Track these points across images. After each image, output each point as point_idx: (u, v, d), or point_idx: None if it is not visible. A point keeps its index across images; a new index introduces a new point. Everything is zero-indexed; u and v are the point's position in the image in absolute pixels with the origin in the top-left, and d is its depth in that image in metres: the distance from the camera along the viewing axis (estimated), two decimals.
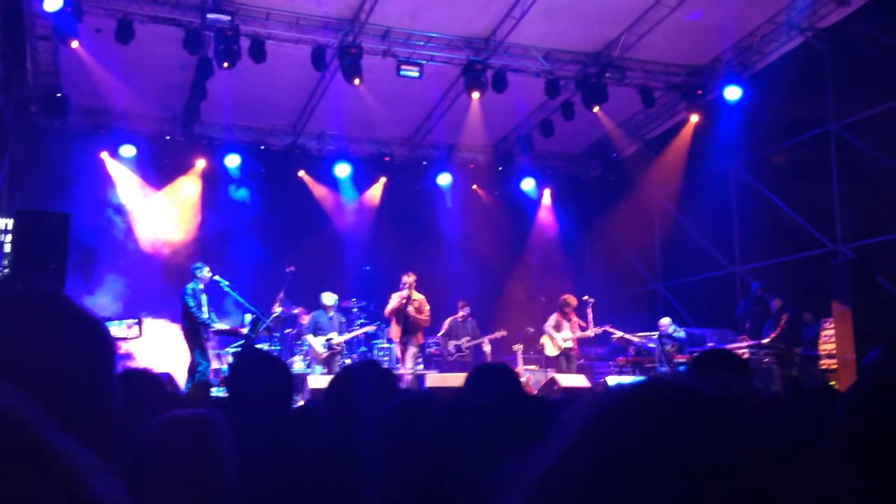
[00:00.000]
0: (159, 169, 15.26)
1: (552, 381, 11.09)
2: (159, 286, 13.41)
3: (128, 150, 14.84)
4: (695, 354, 11.57)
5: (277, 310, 12.20)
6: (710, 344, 12.87)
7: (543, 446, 0.67)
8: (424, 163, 17.22)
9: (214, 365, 11.61)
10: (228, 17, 11.78)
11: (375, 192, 17.09)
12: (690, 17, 12.46)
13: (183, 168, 15.56)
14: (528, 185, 17.58)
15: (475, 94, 13.36)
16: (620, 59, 13.65)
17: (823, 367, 11.86)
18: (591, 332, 12.96)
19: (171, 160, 15.36)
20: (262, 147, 16.04)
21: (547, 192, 17.95)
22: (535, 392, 10.62)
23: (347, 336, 12.37)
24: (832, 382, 10.78)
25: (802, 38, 12.77)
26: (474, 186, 17.73)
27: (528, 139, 16.08)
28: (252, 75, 12.73)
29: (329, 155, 16.44)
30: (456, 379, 10.56)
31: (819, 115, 12.82)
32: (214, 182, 15.67)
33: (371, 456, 2.97)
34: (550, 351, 12.91)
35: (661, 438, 0.62)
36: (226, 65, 11.96)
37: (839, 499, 0.61)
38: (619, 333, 13.58)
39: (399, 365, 11.86)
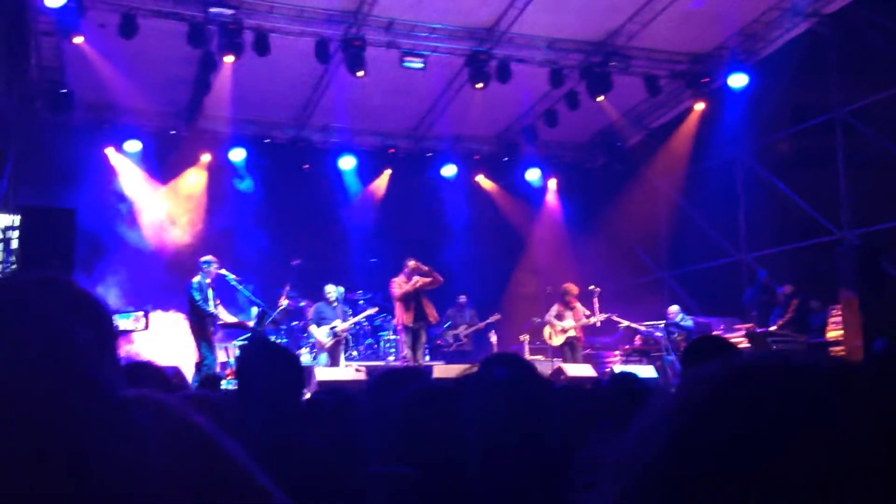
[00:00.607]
0: (164, 163, 15.28)
1: (559, 371, 11.11)
2: (165, 280, 13.44)
3: (132, 145, 14.86)
4: (687, 343, 11.58)
5: (284, 303, 12.23)
6: (716, 332, 12.87)
7: (638, 431, 0.67)
8: (429, 154, 17.21)
9: (221, 358, 11.65)
10: (232, 11, 11.78)
11: (380, 184, 17.09)
12: (695, 5, 12.41)
13: (188, 162, 15.57)
14: (533, 175, 17.56)
15: (479, 85, 13.35)
16: (625, 48, 13.60)
17: (831, 354, 11.85)
18: (594, 320, 12.96)
19: (175, 154, 15.37)
20: (267, 140, 16.04)
21: (552, 182, 17.93)
22: None
23: (351, 322, 12.31)
24: None
25: (807, 25, 12.71)
26: (479, 177, 17.72)
27: (533, 129, 16.06)
28: (256, 69, 12.73)
29: (334, 147, 16.44)
30: (462, 369, 10.57)
31: (824, 101, 12.78)
32: (219, 176, 15.68)
33: (381, 446, 2.98)
34: (554, 341, 12.92)
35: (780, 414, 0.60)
36: (229, 59, 11.97)
37: None
38: (624, 322, 13.59)
39: (408, 356, 11.84)
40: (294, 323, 13.09)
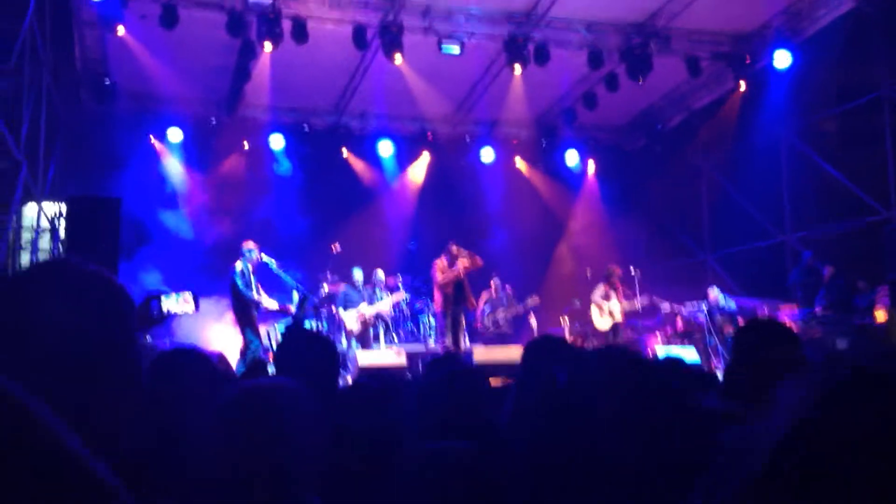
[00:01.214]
0: (205, 151, 15.48)
1: None
2: (207, 266, 13.63)
3: (174, 134, 15.08)
4: (740, 325, 11.45)
5: (325, 288, 12.31)
6: (760, 314, 12.70)
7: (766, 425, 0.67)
8: (467, 139, 17.18)
9: (265, 343, 11.78)
10: (270, 0, 11.84)
11: (419, 170, 17.12)
12: None
13: (228, 150, 15.76)
14: (571, 158, 17.45)
15: (517, 69, 13.27)
16: (665, 29, 13.41)
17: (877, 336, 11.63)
18: (637, 304, 12.88)
19: (216, 142, 15.56)
20: (306, 127, 16.14)
21: (591, 165, 17.81)
22: None
23: (378, 306, 12.24)
24: None
25: (853, 3, 12.41)
26: (517, 161, 17.66)
27: (572, 112, 15.94)
28: (294, 56, 12.79)
29: (372, 133, 16.50)
30: (502, 352, 10.60)
31: (871, 79, 12.50)
32: (259, 163, 15.85)
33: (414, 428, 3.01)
34: (600, 323, 12.84)
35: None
36: (268, 47, 12.05)
37: None
38: (666, 305, 13.48)
39: (447, 340, 11.85)
40: (334, 308, 13.18)
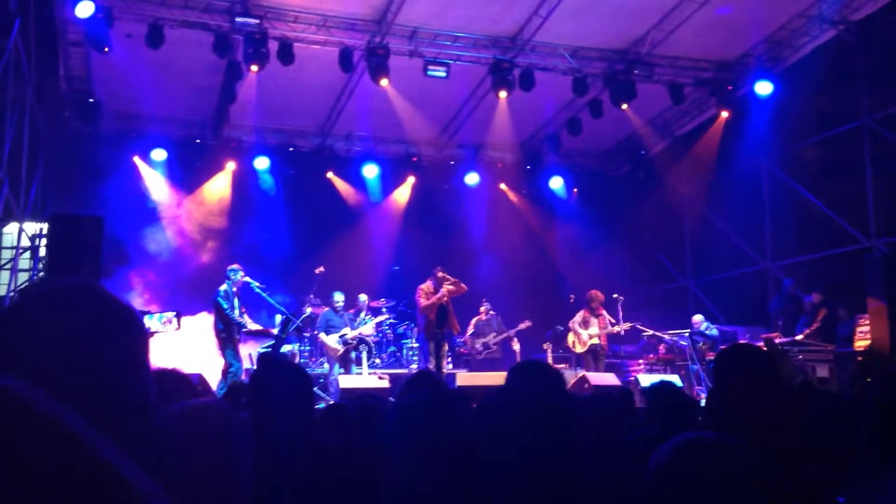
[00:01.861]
0: (190, 172, 15.42)
1: (583, 379, 11.05)
2: (190, 288, 13.55)
3: (159, 154, 15.01)
4: (720, 351, 11.48)
5: (308, 311, 12.25)
6: (741, 341, 12.74)
7: None
8: (452, 162, 17.23)
9: (246, 365, 11.69)
10: (257, 21, 11.87)
11: (403, 193, 17.13)
12: (720, 12, 12.35)
13: (213, 170, 15.70)
14: (556, 183, 17.54)
15: (502, 93, 13.35)
16: (649, 56, 13.56)
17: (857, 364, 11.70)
18: (619, 328, 12.88)
19: (201, 163, 15.51)
20: (291, 149, 16.14)
21: (575, 191, 17.89)
22: None
23: (360, 329, 12.20)
24: (867, 378, 10.63)
25: (834, 32, 12.61)
26: (502, 185, 17.72)
27: (556, 137, 16.04)
28: (280, 78, 12.83)
29: (357, 156, 16.51)
30: (486, 378, 10.56)
31: (852, 109, 12.66)
32: (244, 184, 15.80)
33: (394, 450, 2.98)
34: (577, 348, 12.85)
35: None
36: (254, 68, 12.06)
37: None
38: (649, 331, 13.50)
39: (431, 363, 11.81)
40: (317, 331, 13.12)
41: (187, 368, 6.11)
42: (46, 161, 12.98)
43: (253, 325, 11.02)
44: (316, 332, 12.32)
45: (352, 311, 12.42)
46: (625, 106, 13.87)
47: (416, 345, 13.35)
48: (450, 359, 13.19)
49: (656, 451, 1.73)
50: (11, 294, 10.61)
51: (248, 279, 10.99)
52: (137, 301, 13.06)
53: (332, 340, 11.90)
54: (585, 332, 12.70)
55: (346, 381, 10.69)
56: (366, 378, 11.34)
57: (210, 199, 15.60)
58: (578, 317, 12.91)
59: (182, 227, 15.01)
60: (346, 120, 15.54)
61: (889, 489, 1.84)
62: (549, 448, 2.06)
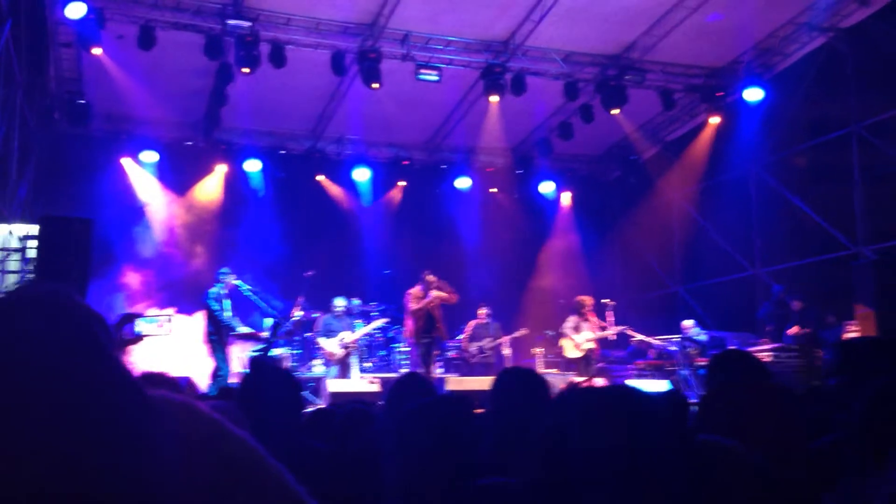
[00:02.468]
0: (180, 174, 15.37)
1: (572, 384, 11.05)
2: (180, 290, 13.51)
3: (149, 156, 14.95)
4: (712, 356, 11.52)
5: (298, 314, 12.23)
6: (731, 347, 12.78)
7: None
8: (443, 166, 17.25)
9: (235, 367, 11.66)
10: (249, 23, 11.86)
11: (394, 196, 17.13)
12: (711, 19, 12.42)
13: (203, 173, 15.67)
14: (547, 187, 17.57)
15: (494, 98, 13.38)
16: (640, 62, 13.62)
17: None
18: (611, 333, 12.90)
19: (191, 165, 15.47)
20: (282, 152, 16.12)
21: (566, 195, 17.93)
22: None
23: (361, 332, 12.23)
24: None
25: (824, 39, 12.68)
26: (493, 190, 17.74)
27: (547, 142, 16.08)
28: (272, 80, 12.81)
29: (348, 159, 16.50)
30: (476, 382, 10.55)
31: (841, 116, 12.72)
32: (235, 187, 15.77)
33: (392, 454, 2.98)
34: (571, 353, 12.85)
35: None
36: (246, 70, 12.04)
37: None
38: (638, 336, 13.53)
39: (420, 368, 11.81)
40: (308, 334, 13.09)
41: (175, 371, 6.10)
42: (36, 162, 12.92)
43: (243, 328, 10.99)
44: (313, 335, 12.36)
45: (349, 315, 12.42)
46: (616, 111, 13.92)
47: (406, 348, 13.35)
48: (441, 363, 13.19)
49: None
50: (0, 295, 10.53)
51: (238, 282, 10.97)
52: (127, 302, 13.01)
53: (330, 345, 11.90)
54: (580, 337, 12.71)
55: (336, 386, 10.67)
56: (356, 382, 11.33)
57: (200, 201, 15.56)
58: (570, 322, 12.92)
59: (172, 229, 14.96)
60: (337, 123, 15.54)
61: (874, 491, 1.86)
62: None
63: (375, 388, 10.62)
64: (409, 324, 11.95)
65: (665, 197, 16.79)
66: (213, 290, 10.79)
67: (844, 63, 12.51)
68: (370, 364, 13.18)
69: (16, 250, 11.44)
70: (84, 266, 9.73)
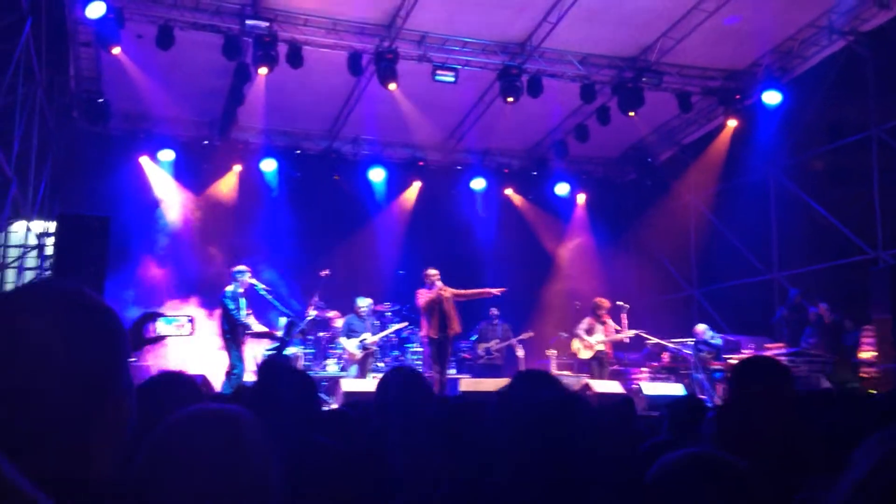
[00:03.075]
0: (197, 173, 15.45)
1: (586, 387, 11.03)
2: (196, 288, 13.58)
3: (166, 155, 15.04)
4: (732, 361, 11.47)
5: (312, 313, 12.27)
6: (745, 351, 12.70)
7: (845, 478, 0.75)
8: (459, 167, 17.24)
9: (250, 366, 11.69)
10: (267, 24, 11.90)
11: (410, 197, 17.14)
12: (729, 22, 12.35)
13: (220, 172, 15.74)
14: (562, 189, 17.53)
15: (510, 99, 13.35)
16: (657, 64, 13.56)
17: (863, 375, 11.66)
18: (624, 335, 12.86)
19: (208, 164, 15.55)
20: (298, 151, 16.16)
21: (581, 197, 17.88)
22: None
23: (381, 336, 12.34)
24: (871, 391, 10.60)
25: (844, 42, 12.59)
26: (508, 191, 17.72)
27: (563, 144, 16.04)
28: (289, 80, 12.84)
29: (364, 159, 16.53)
30: (489, 384, 10.55)
31: (860, 119, 12.63)
32: (251, 186, 15.82)
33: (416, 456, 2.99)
34: (582, 354, 12.82)
35: None
36: (263, 70, 12.09)
37: None
38: (653, 339, 13.48)
39: (433, 368, 11.78)
40: (321, 334, 13.13)
41: (190, 369, 6.13)
42: (54, 160, 13.03)
43: (258, 327, 11.03)
44: (333, 334, 12.43)
45: (372, 315, 12.49)
46: (632, 113, 13.87)
47: (419, 349, 13.35)
48: (453, 363, 13.17)
49: (660, 460, 1.73)
50: None
51: (253, 281, 11.01)
52: (143, 300, 13.08)
53: (351, 345, 11.95)
54: (590, 339, 12.68)
55: (349, 385, 10.69)
56: (369, 382, 11.34)
57: (217, 200, 15.63)
58: (584, 324, 12.88)
59: (188, 228, 15.03)
60: (353, 123, 15.56)
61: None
62: (551, 457, 2.06)
63: None
64: (423, 323, 11.94)
65: (681, 199, 16.71)
66: (229, 288, 10.85)
67: (864, 66, 12.41)
68: (383, 364, 13.18)
69: (33, 247, 11.54)
70: (100, 263, 9.81)
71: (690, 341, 13.19)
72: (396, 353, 13.90)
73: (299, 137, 16.13)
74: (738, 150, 14.76)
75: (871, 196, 12.51)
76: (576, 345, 12.90)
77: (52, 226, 10.73)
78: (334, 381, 11.73)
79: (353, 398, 9.54)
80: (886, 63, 12.06)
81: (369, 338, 12.01)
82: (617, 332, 12.80)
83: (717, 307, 15.64)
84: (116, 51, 11.72)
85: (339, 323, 12.64)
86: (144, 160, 15.01)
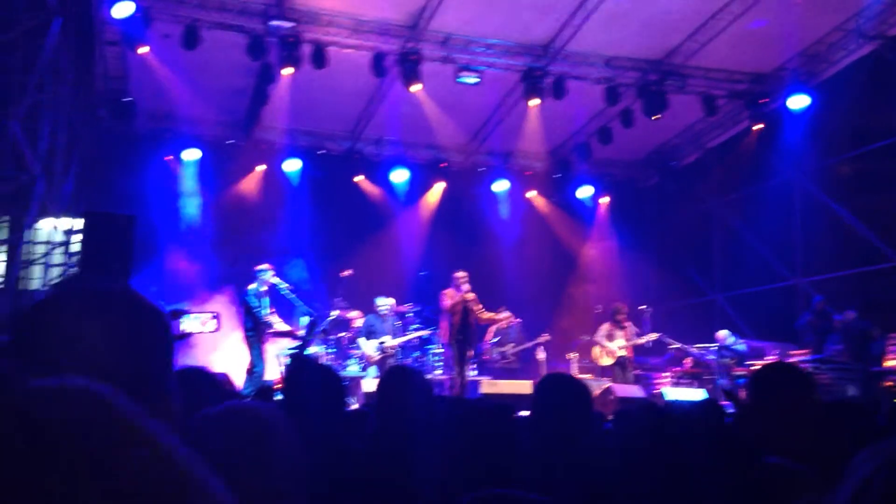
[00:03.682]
0: (221, 172, 15.54)
1: (607, 391, 10.98)
2: (219, 287, 13.66)
3: (191, 154, 15.15)
4: (754, 367, 11.38)
5: (334, 313, 12.31)
6: (769, 357, 12.59)
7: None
8: (481, 169, 17.23)
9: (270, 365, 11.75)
10: (291, 24, 11.96)
11: (432, 198, 17.14)
12: (755, 25, 12.25)
13: (244, 172, 15.83)
14: (585, 192, 17.47)
15: (533, 101, 13.33)
16: (682, 67, 13.48)
17: (888, 384, 11.52)
18: (644, 339, 12.79)
19: (232, 164, 15.63)
20: (321, 152, 16.22)
21: (604, 200, 17.81)
22: None
23: (401, 340, 12.37)
24: None
25: (872, 47, 12.45)
26: (531, 193, 17.68)
27: (586, 146, 15.97)
28: (313, 81, 12.89)
29: (386, 160, 16.55)
30: (509, 386, 10.54)
31: (888, 124, 12.49)
32: (274, 186, 15.90)
33: (430, 456, 2.99)
34: (604, 361, 12.78)
35: None
36: (288, 71, 12.14)
37: None
38: (675, 344, 13.40)
39: (454, 370, 11.78)
40: (342, 334, 13.16)
41: (213, 366, 6.17)
42: (81, 158, 13.16)
43: (281, 326, 11.09)
44: (353, 334, 12.45)
45: (394, 317, 12.48)
46: (657, 116, 13.79)
47: (440, 350, 13.35)
48: (475, 366, 13.15)
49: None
50: (45, 287, 10.76)
51: (276, 280, 11.06)
52: (168, 298, 13.17)
53: (369, 347, 11.96)
54: (612, 344, 12.62)
55: (370, 385, 10.71)
56: None
57: (240, 199, 15.72)
58: (603, 329, 12.83)
59: (212, 226, 15.12)
60: (376, 124, 15.59)
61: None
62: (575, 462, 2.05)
63: None
64: (444, 325, 11.95)
65: (705, 203, 16.60)
66: (252, 287, 10.92)
67: (892, 71, 12.27)
68: None
69: (60, 244, 11.66)
70: (126, 261, 9.88)
71: (713, 346, 13.10)
72: (417, 353, 13.90)
73: (323, 137, 16.18)
74: (762, 155, 14.63)
75: None
76: (597, 352, 12.85)
77: (78, 223, 10.83)
78: (355, 382, 11.75)
79: (373, 398, 9.56)
80: None
81: (388, 340, 12.03)
82: (638, 335, 12.74)
83: (740, 312, 15.52)
84: (143, 50, 11.82)
85: (360, 323, 12.66)
86: (170, 159, 15.13)
